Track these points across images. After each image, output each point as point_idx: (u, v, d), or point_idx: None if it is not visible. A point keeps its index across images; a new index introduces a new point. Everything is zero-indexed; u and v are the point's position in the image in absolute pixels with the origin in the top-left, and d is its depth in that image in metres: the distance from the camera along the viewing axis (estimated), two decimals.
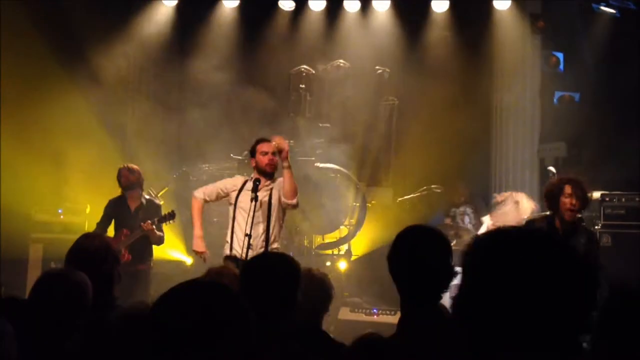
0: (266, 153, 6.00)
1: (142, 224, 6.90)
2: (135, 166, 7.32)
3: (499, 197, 7.45)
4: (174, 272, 8.11)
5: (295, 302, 2.87)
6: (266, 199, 5.94)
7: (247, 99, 9.09)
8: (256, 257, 3.38)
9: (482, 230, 7.65)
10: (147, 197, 7.32)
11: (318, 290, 3.50)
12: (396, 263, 2.78)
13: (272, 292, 2.79)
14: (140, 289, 6.79)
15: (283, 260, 3.02)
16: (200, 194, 6.34)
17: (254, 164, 6.13)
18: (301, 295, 2.89)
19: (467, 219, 8.60)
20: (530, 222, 6.04)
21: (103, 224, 7.21)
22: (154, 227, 6.91)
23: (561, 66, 9.36)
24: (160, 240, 7.15)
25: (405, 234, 2.85)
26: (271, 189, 6.02)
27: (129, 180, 7.16)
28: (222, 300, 1.61)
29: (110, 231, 7.23)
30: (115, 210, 7.23)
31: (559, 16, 9.49)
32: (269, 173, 6.02)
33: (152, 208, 7.19)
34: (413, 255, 2.74)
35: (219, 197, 6.30)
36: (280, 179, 6.13)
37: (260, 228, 5.88)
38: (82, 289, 2.85)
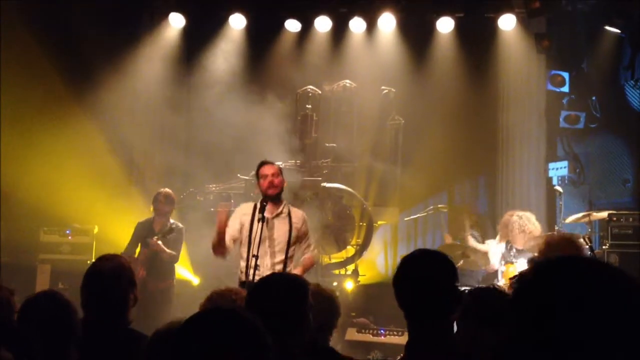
0: (266, 176, 5.78)
1: (148, 239, 7.27)
2: (173, 195, 7.77)
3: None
4: (180, 291, 8.12)
5: (305, 320, 2.88)
6: (285, 228, 5.78)
7: (254, 119, 9.13)
8: (265, 278, 3.40)
9: (493, 252, 7.62)
10: (172, 221, 7.70)
11: (326, 307, 3.50)
12: (401, 288, 2.77)
13: (280, 310, 2.80)
14: (161, 307, 7.18)
15: (291, 279, 3.04)
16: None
17: (258, 188, 5.98)
18: (311, 314, 2.90)
19: (472, 241, 8.60)
20: None
21: (131, 245, 7.59)
22: (159, 242, 7.25)
23: (566, 86, 9.37)
24: (171, 258, 7.47)
25: (409, 258, 2.84)
26: (290, 220, 5.82)
27: (162, 210, 7.63)
28: (242, 327, 1.65)
29: None
30: (142, 232, 7.60)
31: (564, 36, 9.53)
32: (271, 196, 5.76)
33: (174, 230, 7.53)
34: (418, 280, 2.73)
35: (236, 239, 5.91)
36: (301, 213, 6.02)
37: (269, 252, 5.72)
38: (65, 310, 2.90)
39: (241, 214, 5.95)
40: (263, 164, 5.90)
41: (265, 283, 3.09)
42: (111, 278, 3.32)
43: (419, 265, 2.79)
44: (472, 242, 8.29)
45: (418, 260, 2.83)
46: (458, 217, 9.41)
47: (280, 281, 3.08)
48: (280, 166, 6.20)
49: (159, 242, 7.30)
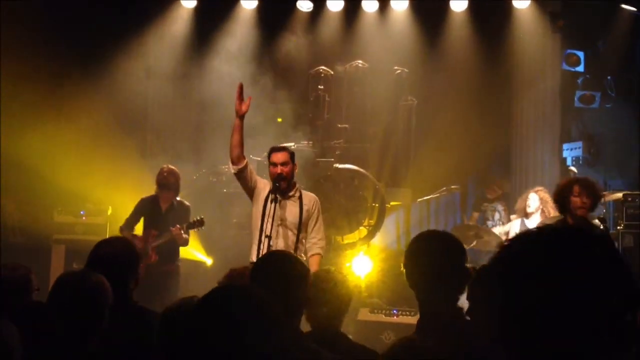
0: (275, 165, 5.63)
1: (171, 228, 7.06)
2: (176, 170, 7.52)
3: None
4: (194, 272, 8.17)
5: (304, 300, 2.93)
6: (296, 210, 5.71)
7: (266, 100, 9.10)
8: (264, 256, 3.42)
9: (512, 229, 7.64)
10: (178, 199, 7.48)
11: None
12: (411, 269, 2.83)
13: (280, 290, 2.80)
14: (170, 288, 7.06)
15: (290, 259, 3.07)
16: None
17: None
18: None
19: (497, 216, 8.59)
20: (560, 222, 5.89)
21: (132, 219, 7.41)
22: (182, 232, 7.08)
23: (581, 65, 9.28)
24: (186, 243, 7.34)
25: (418, 239, 2.91)
26: (301, 203, 5.73)
27: (167, 180, 7.35)
28: (256, 305, 1.66)
29: (139, 228, 7.46)
30: (147, 208, 7.40)
31: (579, 15, 9.42)
32: (278, 186, 5.59)
33: (181, 210, 7.39)
34: (427, 261, 2.79)
35: (249, 178, 5.77)
36: (313, 196, 5.95)
37: (281, 233, 5.69)
38: (100, 290, 2.88)
39: (263, 183, 5.83)
40: (273, 150, 5.77)
41: (266, 262, 3.11)
42: (114, 262, 3.33)
43: (428, 246, 2.84)
44: (496, 216, 8.30)
45: (426, 241, 2.89)
46: (488, 183, 9.31)
47: (280, 259, 3.10)
48: (292, 148, 6.15)
49: (182, 231, 7.06)
